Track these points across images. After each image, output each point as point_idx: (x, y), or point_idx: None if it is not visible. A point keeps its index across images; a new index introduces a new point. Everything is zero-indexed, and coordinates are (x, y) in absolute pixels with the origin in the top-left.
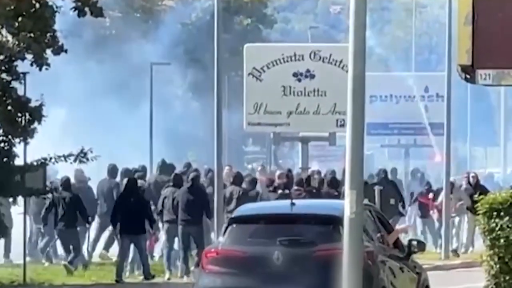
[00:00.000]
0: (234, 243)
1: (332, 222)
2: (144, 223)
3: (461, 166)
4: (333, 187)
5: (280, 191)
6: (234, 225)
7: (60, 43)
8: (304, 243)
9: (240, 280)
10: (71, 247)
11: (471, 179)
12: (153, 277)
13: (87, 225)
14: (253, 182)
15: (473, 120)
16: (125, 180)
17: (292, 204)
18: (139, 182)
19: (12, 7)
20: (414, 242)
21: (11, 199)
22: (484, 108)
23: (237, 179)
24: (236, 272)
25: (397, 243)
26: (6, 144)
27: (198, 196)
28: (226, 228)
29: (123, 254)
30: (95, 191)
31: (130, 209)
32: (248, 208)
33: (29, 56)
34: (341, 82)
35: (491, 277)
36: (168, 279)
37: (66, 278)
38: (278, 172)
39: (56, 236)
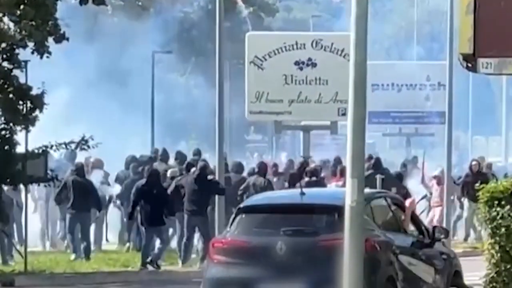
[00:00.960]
0: (240, 233)
1: (336, 212)
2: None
3: (462, 155)
4: (377, 168)
5: (307, 179)
6: (242, 215)
7: (61, 31)
8: (307, 233)
9: (244, 270)
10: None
11: (473, 167)
12: (159, 267)
13: (97, 213)
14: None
15: (475, 109)
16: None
17: (302, 193)
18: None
19: None
20: (439, 229)
21: (22, 187)
22: (486, 97)
23: (262, 170)
24: (241, 262)
25: (420, 229)
26: (8, 132)
27: (205, 186)
28: (234, 218)
29: (147, 245)
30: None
31: (154, 201)
32: (256, 198)
33: (31, 44)
34: (343, 70)
35: (492, 265)
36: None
37: (67, 266)
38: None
39: (67, 221)
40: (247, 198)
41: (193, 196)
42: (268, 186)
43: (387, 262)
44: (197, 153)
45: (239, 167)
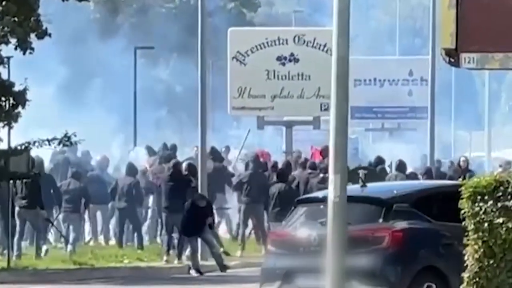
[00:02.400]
0: (289, 225)
1: (375, 204)
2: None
3: (445, 150)
4: (401, 171)
5: (321, 175)
6: (297, 208)
7: (44, 27)
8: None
9: (286, 261)
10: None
11: (461, 163)
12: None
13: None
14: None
15: (458, 104)
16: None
17: (363, 186)
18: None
19: None
20: None
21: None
22: (469, 92)
23: (282, 176)
24: (284, 253)
25: None
26: None
27: (180, 182)
28: (292, 210)
29: (195, 246)
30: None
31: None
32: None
33: (13, 40)
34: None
35: (475, 261)
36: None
37: (50, 262)
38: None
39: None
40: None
41: (169, 193)
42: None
43: (425, 252)
44: (173, 147)
45: (217, 154)
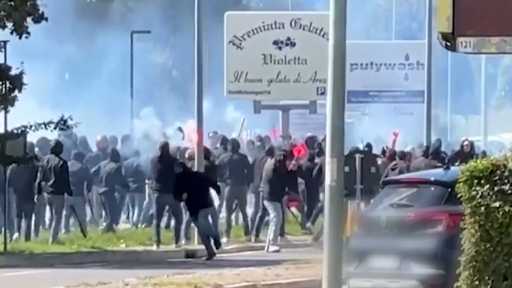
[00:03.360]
0: (373, 206)
1: (440, 188)
2: (210, 195)
3: (441, 134)
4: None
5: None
6: (382, 189)
7: (40, 11)
8: (405, 206)
9: (367, 242)
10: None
11: (465, 147)
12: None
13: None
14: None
15: (454, 88)
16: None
17: (447, 168)
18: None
19: None
20: None
21: None
22: (465, 76)
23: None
24: (366, 234)
25: None
26: None
27: (169, 164)
28: (379, 191)
29: (203, 227)
30: None
31: (194, 184)
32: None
33: (9, 24)
34: (322, 50)
35: (471, 244)
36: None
37: (47, 246)
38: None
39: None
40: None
41: (161, 175)
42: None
43: None
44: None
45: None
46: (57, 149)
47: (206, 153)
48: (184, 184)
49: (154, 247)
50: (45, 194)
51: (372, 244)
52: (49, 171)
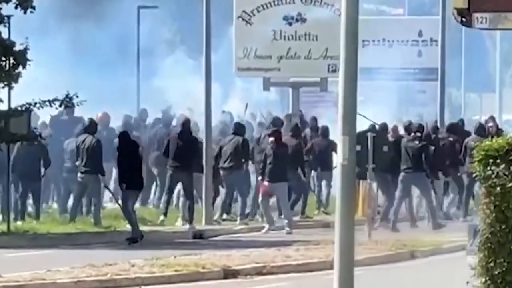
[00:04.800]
0: None
1: None
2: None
3: (455, 112)
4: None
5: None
6: None
7: None
8: None
9: None
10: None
11: (490, 129)
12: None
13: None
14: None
15: (468, 65)
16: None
17: None
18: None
19: None
20: None
21: None
22: (479, 53)
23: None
24: None
25: None
26: None
27: (189, 141)
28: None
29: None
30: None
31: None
32: None
33: None
34: (333, 26)
35: (487, 226)
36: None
37: (51, 227)
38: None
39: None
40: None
41: (177, 152)
42: None
43: None
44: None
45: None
46: (91, 128)
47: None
48: None
49: (161, 217)
50: (78, 174)
51: None
52: (83, 150)
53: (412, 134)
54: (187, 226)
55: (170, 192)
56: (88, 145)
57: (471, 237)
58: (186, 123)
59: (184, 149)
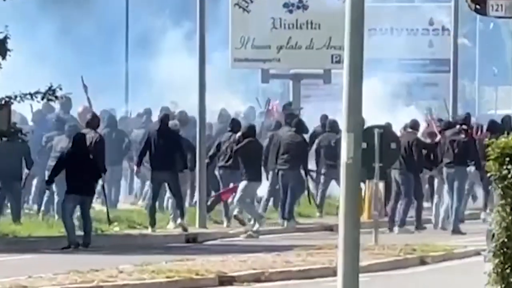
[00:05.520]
0: None
1: None
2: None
3: (468, 106)
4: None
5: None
6: None
7: None
8: None
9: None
10: None
11: None
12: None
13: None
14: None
15: (482, 56)
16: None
17: None
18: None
19: None
20: None
21: None
22: (495, 43)
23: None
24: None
25: None
26: None
27: (170, 139)
28: None
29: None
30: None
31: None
32: None
33: None
34: (337, 14)
35: (502, 229)
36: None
37: (33, 229)
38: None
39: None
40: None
41: (159, 150)
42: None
43: None
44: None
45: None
46: (93, 122)
47: None
48: None
49: (149, 231)
50: None
51: None
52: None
53: (458, 126)
54: (178, 223)
55: (155, 196)
56: (90, 141)
57: (489, 242)
58: (164, 119)
59: (164, 147)
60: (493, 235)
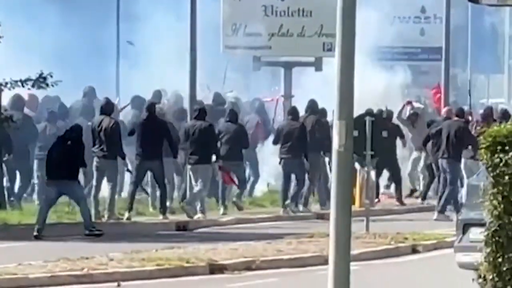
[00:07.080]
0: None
1: None
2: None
3: (460, 96)
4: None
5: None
6: None
7: None
8: None
9: (466, 213)
10: None
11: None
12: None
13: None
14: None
15: (474, 44)
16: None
17: None
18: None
19: None
20: None
21: None
22: (487, 31)
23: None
24: (467, 205)
25: None
26: None
27: (157, 128)
28: None
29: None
30: None
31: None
32: None
33: None
34: (328, 1)
35: (494, 218)
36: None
37: (22, 217)
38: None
39: None
40: None
41: (143, 139)
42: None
43: None
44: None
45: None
46: (108, 108)
47: None
48: None
49: (126, 215)
50: (95, 159)
51: (473, 215)
52: (99, 133)
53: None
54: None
55: (137, 182)
56: (105, 127)
57: (460, 233)
58: (150, 108)
59: (151, 135)
60: (464, 226)
